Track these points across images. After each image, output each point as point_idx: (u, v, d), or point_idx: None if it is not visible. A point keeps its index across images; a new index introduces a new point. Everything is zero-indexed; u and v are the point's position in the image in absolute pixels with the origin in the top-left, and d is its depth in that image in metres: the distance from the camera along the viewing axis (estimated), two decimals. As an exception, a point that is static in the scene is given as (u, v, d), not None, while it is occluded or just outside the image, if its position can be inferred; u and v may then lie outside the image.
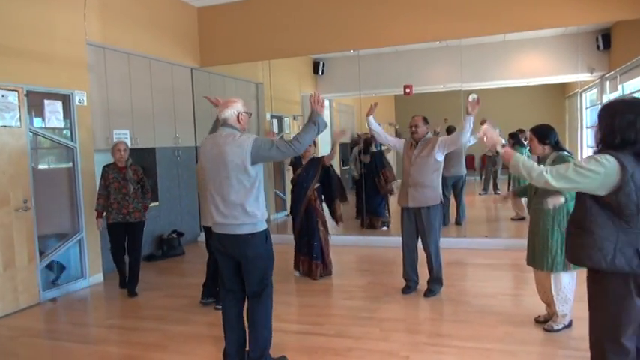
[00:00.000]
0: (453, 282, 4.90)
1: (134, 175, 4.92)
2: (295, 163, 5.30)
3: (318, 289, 4.97)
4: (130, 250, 4.99)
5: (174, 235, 6.58)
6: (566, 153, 3.49)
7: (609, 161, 2.02)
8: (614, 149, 2.06)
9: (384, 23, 6.56)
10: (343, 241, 6.92)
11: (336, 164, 10.57)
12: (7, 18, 4.58)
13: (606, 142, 2.11)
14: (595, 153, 2.14)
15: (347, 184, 9.57)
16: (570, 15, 6.05)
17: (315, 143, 5.56)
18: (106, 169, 4.90)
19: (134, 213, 4.88)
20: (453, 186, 7.64)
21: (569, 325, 3.59)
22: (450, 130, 7.88)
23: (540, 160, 3.48)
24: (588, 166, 2.04)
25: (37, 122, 4.95)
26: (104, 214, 4.91)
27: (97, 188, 5.00)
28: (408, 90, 6.92)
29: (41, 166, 5.13)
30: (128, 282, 5.02)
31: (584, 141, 10.38)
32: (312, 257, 5.19)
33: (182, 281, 5.51)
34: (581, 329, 3.18)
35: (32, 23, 4.81)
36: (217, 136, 3.00)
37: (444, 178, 4.61)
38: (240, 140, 2.88)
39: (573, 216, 2.25)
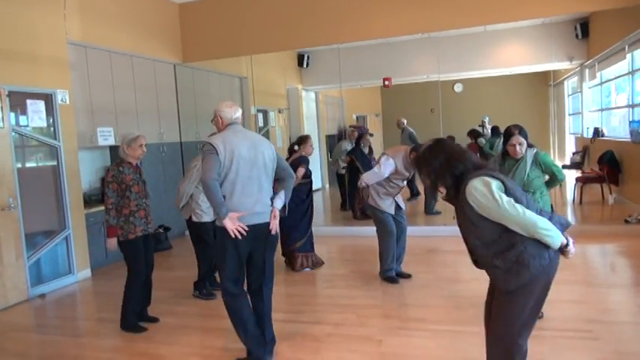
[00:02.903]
0: (430, 268, 5.07)
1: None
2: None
3: (301, 279, 5.11)
4: (149, 264, 4.07)
5: (161, 230, 6.68)
6: (536, 149, 3.60)
7: (493, 182, 2.15)
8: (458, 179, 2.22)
9: (367, 16, 6.66)
10: (329, 232, 7.09)
11: (322, 156, 10.76)
12: (-14, 19, 4.63)
13: (449, 184, 2.26)
14: (453, 193, 2.26)
15: (332, 177, 9.74)
16: (549, 6, 6.14)
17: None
18: (120, 169, 3.77)
19: (152, 221, 4.03)
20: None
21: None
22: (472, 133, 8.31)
23: (518, 161, 3.55)
24: (501, 196, 2.13)
25: (21, 121, 5.02)
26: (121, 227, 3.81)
27: (108, 196, 3.75)
28: (387, 83, 7.01)
29: (26, 164, 5.19)
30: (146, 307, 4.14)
31: (567, 128, 10.62)
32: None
33: (170, 275, 5.62)
34: (550, 311, 3.37)
35: (12, 23, 4.87)
36: (246, 134, 3.17)
37: None
38: (268, 142, 3.24)
39: (497, 248, 2.21)
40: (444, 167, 2.23)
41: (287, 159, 5.00)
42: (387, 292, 4.57)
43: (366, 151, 7.64)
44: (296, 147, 5.38)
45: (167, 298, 4.66)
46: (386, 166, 4.56)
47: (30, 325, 4.42)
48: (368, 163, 7.22)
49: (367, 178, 4.65)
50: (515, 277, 2.15)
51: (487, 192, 2.11)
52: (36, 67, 5.10)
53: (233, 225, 2.92)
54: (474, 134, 8.61)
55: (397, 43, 8.72)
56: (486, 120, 9.46)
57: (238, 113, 3.22)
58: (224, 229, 2.95)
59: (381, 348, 3.38)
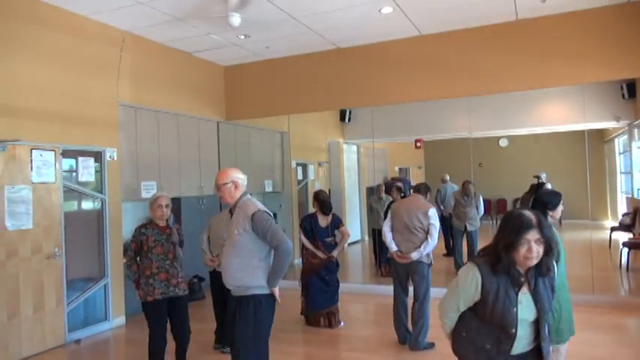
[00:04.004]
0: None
1: (179, 236, 4.05)
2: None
3: (323, 340, 5.14)
4: (178, 331, 4.05)
5: (196, 280, 6.92)
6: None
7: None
8: None
9: (403, 81, 6.91)
10: (360, 290, 7.08)
11: (363, 208, 10.84)
12: (45, 85, 5.18)
13: None
14: None
15: (368, 228, 9.77)
16: (586, 73, 6.12)
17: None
18: (143, 230, 3.92)
19: (182, 283, 3.97)
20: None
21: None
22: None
23: None
24: None
25: (72, 176, 5.49)
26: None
27: (127, 253, 4.08)
28: (419, 144, 7.15)
29: (73, 210, 5.58)
30: None
31: (619, 187, 10.20)
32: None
33: (199, 326, 5.76)
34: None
35: (70, 89, 5.41)
36: None
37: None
38: None
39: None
40: None
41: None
42: (405, 359, 4.51)
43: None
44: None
45: (192, 352, 4.79)
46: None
47: (62, 371, 4.68)
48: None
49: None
50: None
51: None
52: (89, 127, 5.60)
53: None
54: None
55: (438, 101, 8.86)
56: (543, 177, 9.24)
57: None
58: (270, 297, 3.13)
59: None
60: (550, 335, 2.29)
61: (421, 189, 4.89)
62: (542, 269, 2.07)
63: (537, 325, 2.11)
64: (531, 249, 1.98)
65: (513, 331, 2.04)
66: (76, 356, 5.03)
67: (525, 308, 2.06)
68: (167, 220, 3.99)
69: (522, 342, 2.10)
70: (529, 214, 2.05)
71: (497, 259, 2.05)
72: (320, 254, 5.48)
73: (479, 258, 2.15)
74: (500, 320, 2.04)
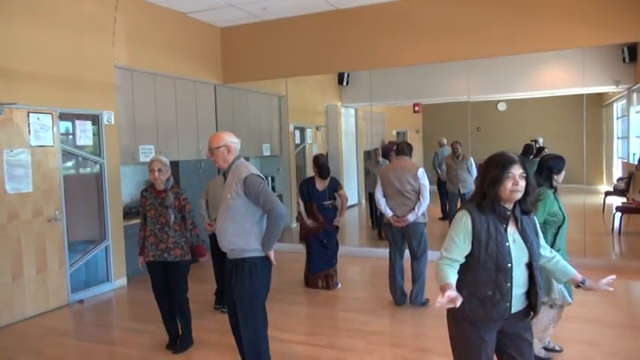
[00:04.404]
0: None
1: (175, 201, 3.91)
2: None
3: (320, 300, 5.28)
4: (170, 295, 4.04)
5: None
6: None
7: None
8: None
9: (401, 44, 6.81)
10: (357, 253, 7.21)
11: (360, 172, 10.90)
12: (41, 48, 5.11)
13: None
14: None
15: (365, 193, 9.86)
16: (586, 36, 6.04)
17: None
18: (144, 193, 4.01)
19: (174, 249, 3.89)
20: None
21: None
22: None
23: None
24: None
25: (70, 139, 5.49)
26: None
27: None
28: (417, 109, 7.14)
29: (72, 173, 5.61)
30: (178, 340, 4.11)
31: (615, 151, 10.25)
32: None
33: (197, 288, 5.88)
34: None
35: (65, 51, 5.34)
36: None
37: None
38: None
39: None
40: None
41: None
42: (400, 319, 4.65)
43: None
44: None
45: (192, 312, 4.93)
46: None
47: (67, 330, 4.81)
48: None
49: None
50: None
51: None
52: (85, 90, 5.56)
53: None
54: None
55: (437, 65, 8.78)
56: (540, 141, 9.26)
57: None
58: (266, 259, 3.17)
59: (382, 377, 3.49)
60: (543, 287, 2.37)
61: (404, 149, 4.91)
62: (526, 205, 2.22)
63: (530, 269, 2.23)
64: (517, 182, 2.14)
65: (509, 265, 2.16)
66: (80, 316, 5.16)
67: (517, 247, 2.20)
68: (165, 183, 3.93)
69: (519, 290, 2.21)
70: (510, 152, 2.23)
71: (483, 196, 2.20)
72: (309, 223, 5.52)
73: (466, 204, 2.30)
74: (496, 256, 2.15)
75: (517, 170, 2.15)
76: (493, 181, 2.16)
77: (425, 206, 4.71)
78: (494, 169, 2.18)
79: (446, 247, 2.24)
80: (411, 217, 4.68)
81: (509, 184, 2.14)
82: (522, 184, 2.15)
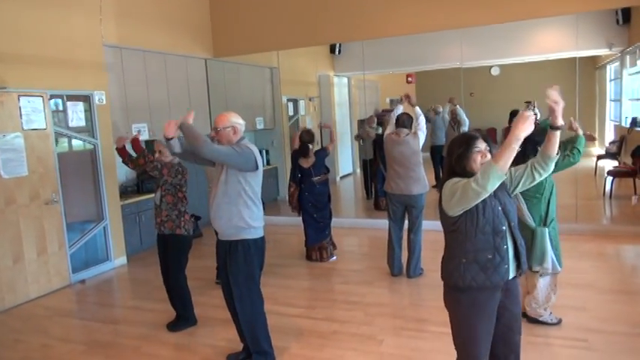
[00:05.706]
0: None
1: (168, 177, 3.96)
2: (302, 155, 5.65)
3: (318, 273, 5.38)
4: (165, 270, 4.17)
5: (193, 219, 7.06)
6: None
7: None
8: None
9: (392, 13, 6.73)
10: (353, 224, 7.29)
11: (354, 141, 10.89)
12: (27, 29, 5.02)
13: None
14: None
15: (360, 161, 9.90)
16: (586, 0, 6.00)
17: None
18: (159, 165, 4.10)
19: (167, 222, 4.00)
20: None
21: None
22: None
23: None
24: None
25: (62, 121, 5.45)
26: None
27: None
28: (410, 79, 7.10)
29: (67, 155, 5.61)
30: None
31: (608, 114, 10.28)
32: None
33: (199, 263, 5.98)
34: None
35: (51, 31, 5.25)
36: None
37: None
38: None
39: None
40: None
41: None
42: (397, 290, 4.77)
43: None
44: None
45: (193, 288, 5.00)
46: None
47: (71, 310, 4.90)
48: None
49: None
50: None
51: None
52: (75, 70, 5.49)
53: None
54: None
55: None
56: (535, 104, 9.25)
57: None
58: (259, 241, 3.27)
59: (381, 348, 3.61)
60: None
61: (405, 122, 4.92)
62: None
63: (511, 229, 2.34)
64: (485, 154, 2.30)
65: (504, 227, 2.28)
66: (83, 295, 5.26)
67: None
68: (166, 165, 3.99)
69: (510, 252, 2.32)
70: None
71: (451, 174, 2.33)
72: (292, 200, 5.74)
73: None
74: (492, 220, 2.26)
75: (482, 144, 2.31)
76: (460, 157, 2.31)
77: (423, 135, 4.90)
78: (458, 147, 2.33)
79: (466, 180, 2.22)
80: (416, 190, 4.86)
81: (478, 158, 2.29)
82: (489, 156, 2.29)
